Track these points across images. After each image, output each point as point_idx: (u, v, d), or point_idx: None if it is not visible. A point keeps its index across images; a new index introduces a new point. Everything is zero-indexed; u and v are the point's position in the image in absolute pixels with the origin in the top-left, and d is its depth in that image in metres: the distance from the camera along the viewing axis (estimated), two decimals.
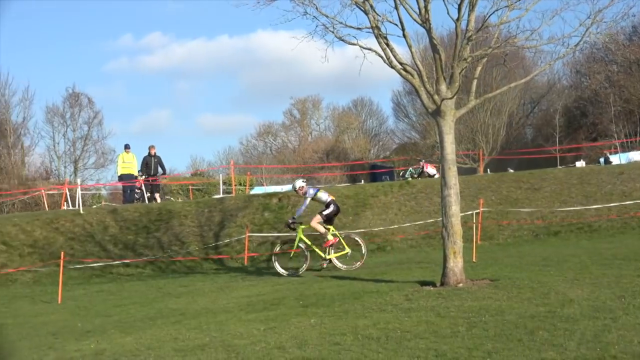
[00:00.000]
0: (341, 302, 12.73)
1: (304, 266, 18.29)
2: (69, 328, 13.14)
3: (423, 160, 38.43)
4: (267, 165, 59.60)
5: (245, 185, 36.58)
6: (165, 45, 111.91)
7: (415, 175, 35.15)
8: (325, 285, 15.54)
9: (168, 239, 23.64)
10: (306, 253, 18.43)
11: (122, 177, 29.07)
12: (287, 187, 31.20)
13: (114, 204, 29.87)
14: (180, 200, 33.04)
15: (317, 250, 18.62)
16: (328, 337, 9.84)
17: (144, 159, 29.21)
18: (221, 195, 30.02)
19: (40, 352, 10.83)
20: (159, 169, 29.58)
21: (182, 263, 22.16)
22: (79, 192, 28.25)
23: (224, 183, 34.54)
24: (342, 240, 18.58)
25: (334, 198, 18.97)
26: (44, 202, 33.04)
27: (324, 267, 18.57)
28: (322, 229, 18.35)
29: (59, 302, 17.15)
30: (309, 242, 18.59)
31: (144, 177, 29.22)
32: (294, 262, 18.66)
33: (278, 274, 18.48)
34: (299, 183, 19.03)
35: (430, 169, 35.28)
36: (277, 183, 40.81)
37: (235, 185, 34.51)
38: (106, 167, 57.34)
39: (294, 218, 18.66)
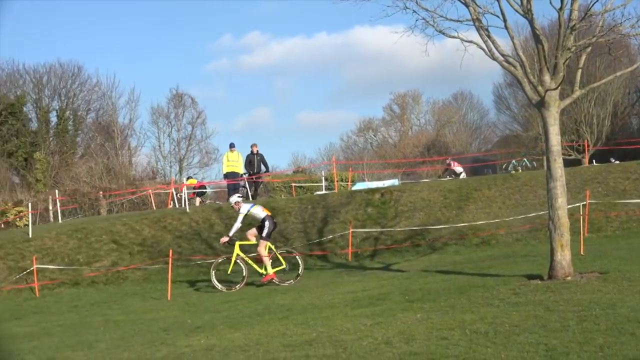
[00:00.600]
0: (447, 297, 12.68)
1: (243, 281, 18.17)
2: (179, 324, 13.43)
3: (449, 158, 37.90)
4: (368, 160, 59.60)
5: (347, 181, 36.67)
6: (264, 44, 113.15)
7: (519, 168, 34.66)
8: (431, 280, 15.50)
9: (272, 236, 23.89)
10: (243, 268, 18.28)
11: (227, 176, 29.45)
12: (389, 182, 31.18)
13: (218, 202, 30.31)
14: (283, 197, 33.34)
15: (254, 265, 18.48)
16: (435, 332, 9.82)
17: (247, 157, 29.54)
18: (323, 192, 30.18)
19: (152, 347, 11.10)
20: (262, 167, 29.87)
21: (287, 259, 22.39)
22: (185, 191, 28.77)
23: (326, 179, 34.69)
24: (279, 255, 18.56)
25: (269, 214, 18.91)
26: (151, 202, 33.78)
27: (264, 283, 18.37)
28: (267, 260, 18.32)
29: (169, 299, 17.56)
30: (246, 258, 18.46)
31: (247, 174, 29.59)
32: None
33: (382, 269, 18.51)
34: (235, 198, 19.18)
35: (457, 167, 34.72)
36: (379, 178, 40.82)
37: (337, 181, 34.61)
38: (210, 166, 58.32)
39: (229, 236, 18.49)
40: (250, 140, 73.76)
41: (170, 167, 57.99)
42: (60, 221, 28.14)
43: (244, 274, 18.18)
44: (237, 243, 18.43)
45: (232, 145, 29.73)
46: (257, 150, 29.60)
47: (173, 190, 31.68)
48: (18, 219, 32.17)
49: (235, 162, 29.28)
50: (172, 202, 30.88)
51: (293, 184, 37.78)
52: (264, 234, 18.37)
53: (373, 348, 9.28)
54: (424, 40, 15.02)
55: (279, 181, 40.06)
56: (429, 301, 12.47)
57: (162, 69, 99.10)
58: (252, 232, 18.64)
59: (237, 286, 17.98)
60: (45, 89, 57.15)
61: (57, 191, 31.43)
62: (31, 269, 21.11)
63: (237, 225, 18.38)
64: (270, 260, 18.40)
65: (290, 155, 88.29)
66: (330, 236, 23.30)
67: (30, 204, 27.96)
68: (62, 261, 22.26)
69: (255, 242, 18.58)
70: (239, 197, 19.31)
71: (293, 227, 24.37)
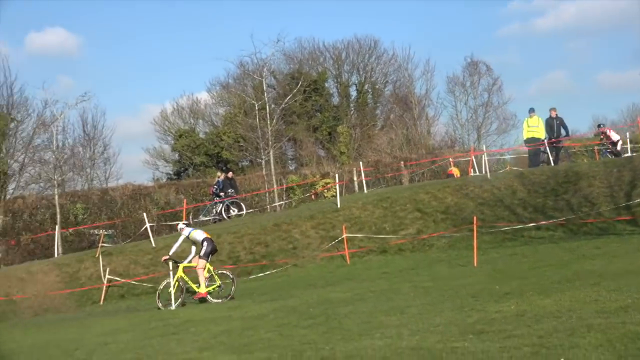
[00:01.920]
0: None
1: (179, 300, 18.22)
2: (487, 290, 13.50)
3: (603, 125, 33.99)
4: None
5: None
6: (556, 5, 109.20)
7: None
8: None
9: (577, 201, 23.29)
10: (183, 288, 18.50)
11: (527, 141, 29.03)
12: None
13: (519, 168, 30.00)
14: (585, 161, 32.37)
15: (192, 286, 18.67)
16: None
17: (546, 121, 28.97)
18: (629, 154, 28.97)
19: (462, 313, 11.27)
20: (562, 131, 29.14)
21: (594, 224, 21.70)
22: (484, 158, 28.72)
23: (631, 141, 33.20)
24: (214, 274, 18.81)
25: (208, 236, 19.20)
26: (451, 170, 34.05)
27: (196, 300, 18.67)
28: (202, 278, 18.70)
29: (475, 265, 17.71)
30: (187, 279, 18.80)
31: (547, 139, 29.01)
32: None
33: None
34: (180, 225, 19.77)
35: (614, 135, 30.97)
36: None
37: None
38: (508, 132, 57.68)
39: (169, 255, 18.74)
40: (545, 104, 72.01)
41: (468, 135, 57.97)
42: (365, 191, 29.11)
43: (182, 294, 18.53)
44: (182, 265, 18.83)
45: (531, 110, 29.23)
46: (557, 114, 28.91)
47: (473, 158, 31.74)
48: (326, 191, 33.78)
49: (536, 128, 28.76)
50: (472, 170, 30.96)
51: (595, 148, 36.56)
52: (201, 253, 18.80)
53: None
54: None
55: (579, 145, 38.93)
56: None
57: (455, 38, 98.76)
58: (202, 264, 18.94)
59: (173, 305, 18.17)
60: (345, 64, 59.36)
61: (360, 162, 32.49)
62: (341, 237, 22.12)
63: (177, 245, 18.98)
64: (207, 280, 18.85)
65: (590, 118, 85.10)
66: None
67: (337, 176, 29.19)
68: (369, 230, 23.10)
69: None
70: (183, 224, 19.97)
71: (598, 192, 23.57)
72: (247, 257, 22.65)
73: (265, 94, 38.42)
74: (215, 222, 29.23)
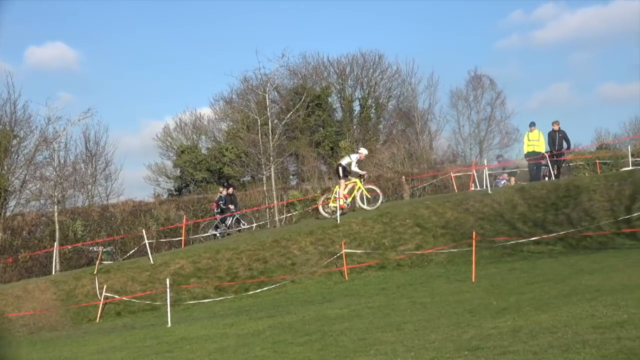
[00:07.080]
0: None
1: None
2: (484, 306, 13.42)
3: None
4: None
5: None
6: (557, 17, 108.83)
7: None
8: None
9: (577, 215, 23.18)
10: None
11: (528, 155, 29.01)
12: None
13: (520, 183, 29.90)
14: (587, 174, 32.27)
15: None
16: None
17: (549, 134, 28.95)
18: (630, 168, 28.84)
19: (459, 329, 11.19)
20: (564, 144, 29.09)
21: (593, 239, 21.58)
22: (485, 172, 28.63)
23: (632, 155, 33.09)
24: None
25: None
26: (452, 184, 33.97)
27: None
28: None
29: (473, 280, 17.60)
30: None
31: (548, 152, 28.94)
32: None
33: None
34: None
35: None
36: None
37: None
38: (511, 147, 57.64)
39: None
40: (547, 117, 71.71)
41: (470, 149, 58.05)
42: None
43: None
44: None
45: (532, 124, 29.25)
46: (559, 127, 28.87)
47: (474, 172, 31.68)
48: (326, 206, 33.66)
49: (536, 142, 28.76)
50: (473, 185, 30.87)
51: (597, 161, 36.47)
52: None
53: None
54: None
55: (581, 158, 38.84)
56: None
57: (457, 51, 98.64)
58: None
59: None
60: (349, 79, 59.52)
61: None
62: (340, 253, 22.02)
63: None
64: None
65: (592, 132, 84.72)
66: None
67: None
68: (368, 245, 23.02)
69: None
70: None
71: (599, 206, 23.49)
72: (245, 273, 22.55)
73: (268, 110, 38.37)
74: (223, 236, 29.28)
